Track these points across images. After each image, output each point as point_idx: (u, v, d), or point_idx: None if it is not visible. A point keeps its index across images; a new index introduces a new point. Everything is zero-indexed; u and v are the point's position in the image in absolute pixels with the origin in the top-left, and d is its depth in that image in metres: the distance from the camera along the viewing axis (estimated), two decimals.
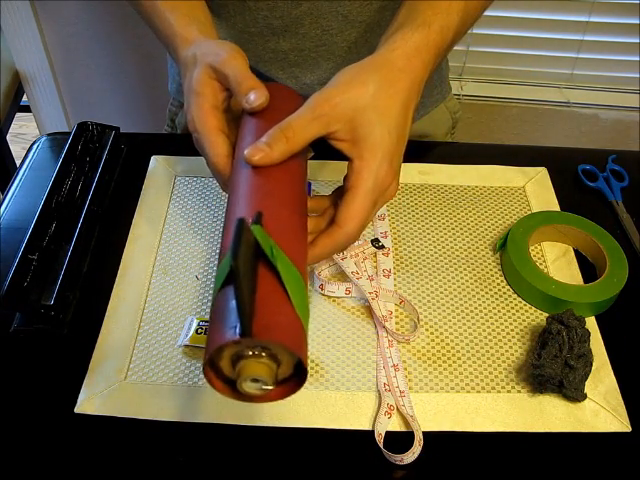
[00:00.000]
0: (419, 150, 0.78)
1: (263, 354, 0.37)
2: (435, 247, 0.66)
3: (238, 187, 0.46)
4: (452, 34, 0.55)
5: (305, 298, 0.40)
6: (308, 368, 0.39)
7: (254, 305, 0.37)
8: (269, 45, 0.73)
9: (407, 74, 0.50)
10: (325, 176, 0.73)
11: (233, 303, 0.36)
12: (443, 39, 0.53)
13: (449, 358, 0.57)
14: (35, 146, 0.78)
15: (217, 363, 0.38)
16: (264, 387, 0.37)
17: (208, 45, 0.54)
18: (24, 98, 1.52)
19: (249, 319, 0.36)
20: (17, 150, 1.72)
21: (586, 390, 0.53)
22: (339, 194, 0.50)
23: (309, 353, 0.57)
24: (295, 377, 0.40)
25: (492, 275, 0.64)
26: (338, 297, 0.61)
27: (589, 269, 0.65)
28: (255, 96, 0.49)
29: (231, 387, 0.39)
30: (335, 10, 0.69)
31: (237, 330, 0.36)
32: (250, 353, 0.37)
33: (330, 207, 0.51)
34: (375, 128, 0.47)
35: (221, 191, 0.71)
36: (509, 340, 0.58)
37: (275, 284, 0.39)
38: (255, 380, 0.37)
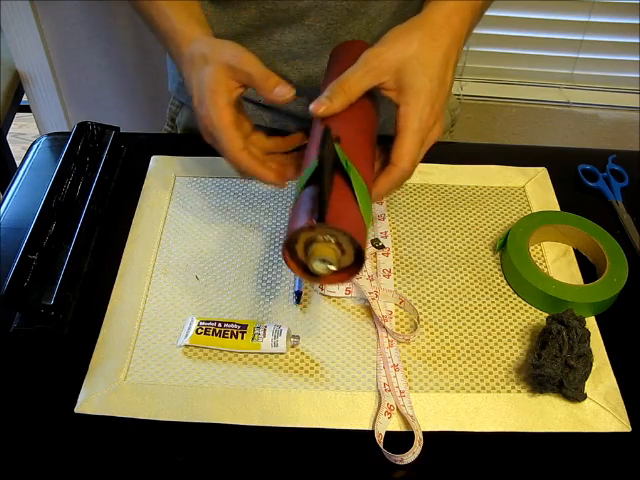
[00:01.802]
0: None
1: (332, 240, 0.46)
2: (435, 247, 0.66)
3: (317, 125, 0.55)
4: None
5: (369, 208, 0.50)
6: (365, 260, 0.48)
7: (329, 202, 0.46)
8: (274, 37, 0.73)
9: (447, 30, 0.55)
10: None
11: (312, 198, 0.47)
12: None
13: (449, 358, 0.57)
14: (35, 146, 0.78)
15: (294, 246, 0.48)
16: (330, 267, 0.47)
17: (217, 44, 0.58)
18: (24, 98, 1.52)
19: (326, 209, 0.45)
20: (17, 150, 1.72)
21: (586, 390, 0.53)
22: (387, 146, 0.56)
23: (309, 353, 0.57)
24: (354, 266, 0.49)
25: (492, 275, 0.64)
26: (338, 297, 0.61)
27: (589, 269, 0.65)
28: (285, 90, 0.55)
29: (302, 268, 0.49)
30: (340, 4, 0.69)
31: (315, 216, 0.46)
32: (321, 238, 0.46)
33: (382, 153, 0.56)
34: (418, 77, 0.53)
35: (221, 191, 0.71)
36: (509, 340, 0.58)
37: (347, 190, 0.48)
38: (323, 261, 0.47)
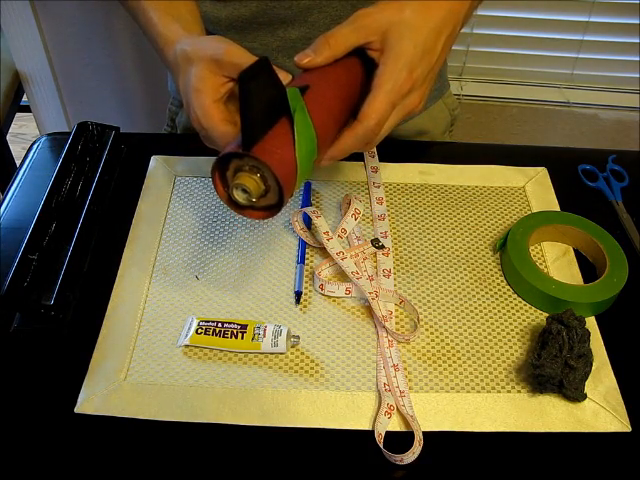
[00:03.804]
0: (419, 150, 0.78)
1: (257, 174, 0.47)
2: (435, 247, 0.66)
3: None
4: None
5: (309, 155, 0.49)
6: (286, 202, 0.48)
7: (263, 135, 0.46)
8: (277, 34, 0.73)
9: (444, 2, 0.55)
10: (325, 176, 0.73)
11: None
12: None
13: (449, 358, 0.57)
14: (35, 146, 0.78)
15: (225, 172, 0.49)
16: (249, 199, 0.48)
17: (200, 41, 0.56)
18: (24, 98, 1.52)
19: (252, 140, 0.46)
20: (17, 150, 1.72)
21: (586, 390, 0.53)
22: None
23: (309, 353, 0.57)
24: (275, 206, 0.49)
25: (492, 275, 0.64)
26: (338, 297, 0.61)
27: (589, 269, 0.65)
28: (281, 75, 0.52)
29: (228, 195, 0.49)
30: (344, 0, 0.69)
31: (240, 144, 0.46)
32: (247, 168, 0.47)
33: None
34: (403, 41, 0.53)
35: None
36: (509, 340, 0.58)
37: (288, 132, 0.47)
38: (244, 191, 0.47)
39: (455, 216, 0.69)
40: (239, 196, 0.48)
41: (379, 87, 0.52)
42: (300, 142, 0.48)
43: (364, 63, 0.55)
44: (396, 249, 0.66)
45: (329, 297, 0.61)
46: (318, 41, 0.53)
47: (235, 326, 0.56)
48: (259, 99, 0.45)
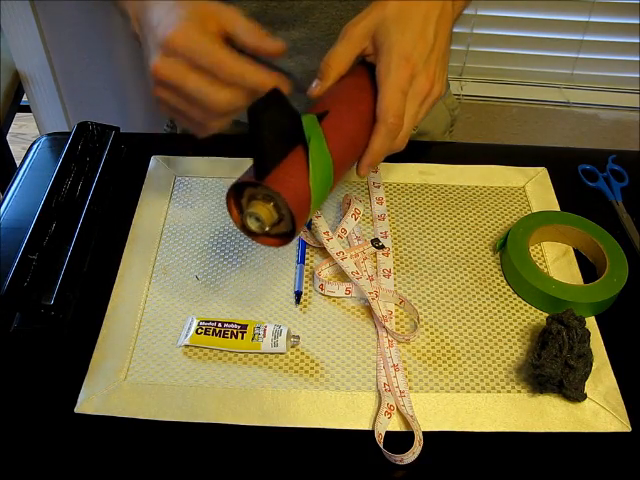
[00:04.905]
0: (419, 150, 0.78)
1: (271, 203, 0.47)
2: (435, 247, 0.66)
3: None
4: None
5: (325, 182, 0.50)
6: (299, 231, 0.49)
7: (277, 164, 0.47)
8: (278, 34, 0.73)
9: None
10: None
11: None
12: None
13: (449, 358, 0.57)
14: (35, 146, 0.78)
15: (240, 199, 0.50)
16: (262, 227, 0.48)
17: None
18: (24, 98, 1.52)
19: (265, 170, 0.46)
20: (17, 150, 1.72)
21: (586, 390, 0.53)
22: None
23: (309, 353, 0.57)
24: (288, 235, 0.50)
25: (492, 275, 0.64)
26: (338, 297, 0.61)
27: (589, 269, 0.65)
28: (279, 43, 0.52)
29: (242, 221, 0.50)
30: (345, 1, 0.69)
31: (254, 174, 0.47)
32: (260, 197, 0.48)
33: None
34: (391, 34, 0.53)
35: (221, 191, 0.71)
36: (509, 340, 0.58)
37: (303, 160, 0.48)
38: (257, 219, 0.48)
39: (455, 216, 0.69)
40: (252, 224, 0.48)
41: (382, 83, 0.53)
42: (315, 170, 0.48)
43: (370, 72, 0.56)
44: (396, 249, 0.66)
45: (329, 297, 0.61)
46: (321, 67, 0.54)
47: (235, 326, 0.56)
48: (271, 130, 0.45)
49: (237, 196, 0.50)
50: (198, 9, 0.51)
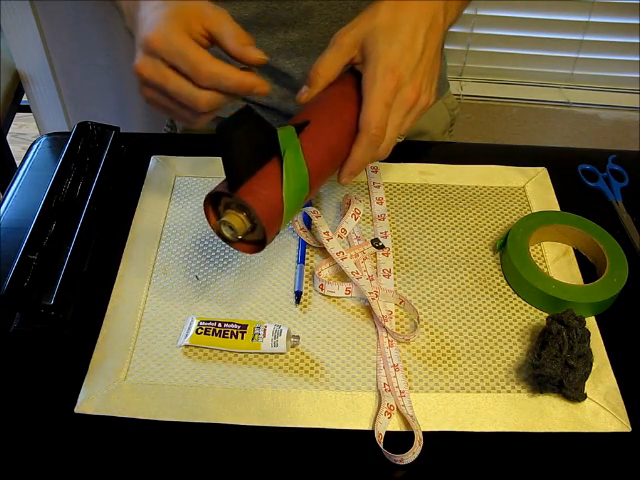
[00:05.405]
0: (419, 150, 0.78)
1: (244, 213, 0.49)
2: (435, 247, 0.66)
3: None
4: None
5: (299, 193, 0.51)
6: (269, 241, 0.50)
7: (250, 177, 0.48)
8: (278, 35, 0.73)
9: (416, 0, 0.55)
10: None
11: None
12: None
13: (449, 358, 0.57)
14: (35, 146, 0.78)
15: (217, 206, 0.51)
16: (235, 235, 0.50)
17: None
18: (24, 98, 1.52)
19: (238, 181, 0.48)
20: (17, 150, 1.72)
21: (586, 390, 0.53)
22: None
23: (309, 353, 0.57)
24: (260, 243, 0.51)
25: (492, 275, 0.64)
26: (338, 297, 0.61)
27: (589, 269, 0.65)
28: (260, 52, 0.52)
29: (218, 227, 0.51)
30: (345, 1, 0.69)
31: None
32: (234, 206, 0.49)
33: None
34: (378, 44, 0.53)
35: None
36: (509, 340, 0.58)
37: (277, 171, 0.49)
38: (231, 228, 0.49)
39: (455, 216, 0.69)
40: (226, 232, 0.50)
41: (367, 94, 0.53)
42: (289, 181, 0.49)
43: (357, 80, 0.55)
44: (396, 249, 0.66)
45: (329, 297, 0.61)
46: (309, 75, 0.54)
47: (235, 326, 0.56)
48: (242, 146, 0.47)
49: (215, 203, 0.51)
50: (183, 8, 0.51)
